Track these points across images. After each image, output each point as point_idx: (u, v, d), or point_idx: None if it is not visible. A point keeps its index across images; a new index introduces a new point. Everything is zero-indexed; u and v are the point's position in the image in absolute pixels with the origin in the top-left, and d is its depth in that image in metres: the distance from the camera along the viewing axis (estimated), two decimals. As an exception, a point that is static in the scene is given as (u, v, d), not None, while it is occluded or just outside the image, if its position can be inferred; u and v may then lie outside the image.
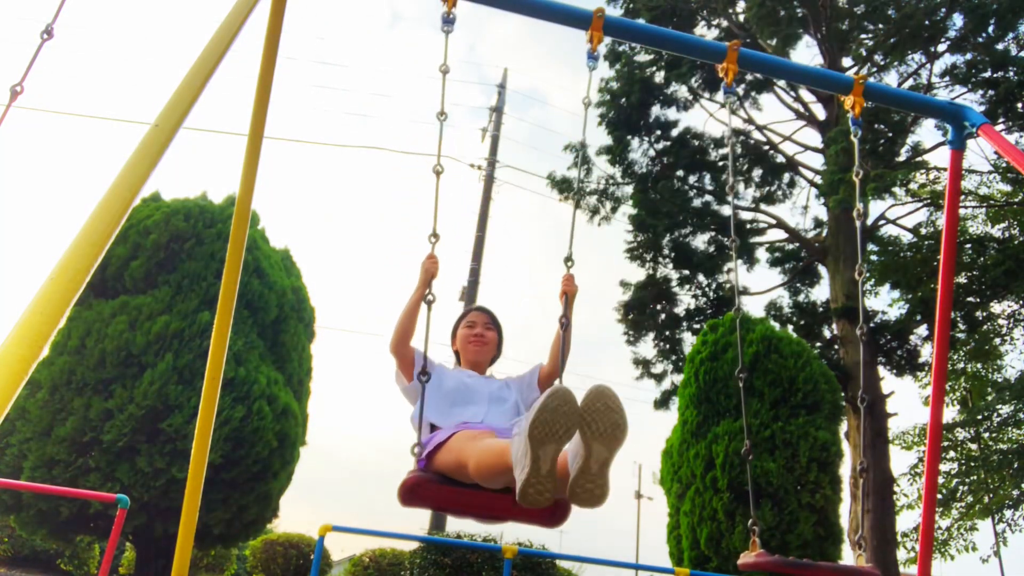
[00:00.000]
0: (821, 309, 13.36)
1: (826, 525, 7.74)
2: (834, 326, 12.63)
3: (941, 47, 12.42)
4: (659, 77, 13.61)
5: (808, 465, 7.81)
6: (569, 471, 1.82)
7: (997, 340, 14.58)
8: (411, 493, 2.19)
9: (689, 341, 13.08)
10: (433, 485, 2.20)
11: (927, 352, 12.67)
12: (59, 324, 1.22)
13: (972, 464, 14.38)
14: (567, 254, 2.58)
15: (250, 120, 2.97)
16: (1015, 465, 13.50)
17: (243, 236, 3.05)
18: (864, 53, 12.87)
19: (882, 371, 12.52)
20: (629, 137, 13.51)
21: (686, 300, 13.51)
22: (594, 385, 1.77)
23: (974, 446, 14.93)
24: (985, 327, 13.86)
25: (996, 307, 13.69)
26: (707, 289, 13.41)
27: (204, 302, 8.18)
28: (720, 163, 13.65)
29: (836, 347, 12.27)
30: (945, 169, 6.07)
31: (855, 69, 12.92)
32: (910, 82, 12.88)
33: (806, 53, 52.69)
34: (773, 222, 14.05)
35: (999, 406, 13.95)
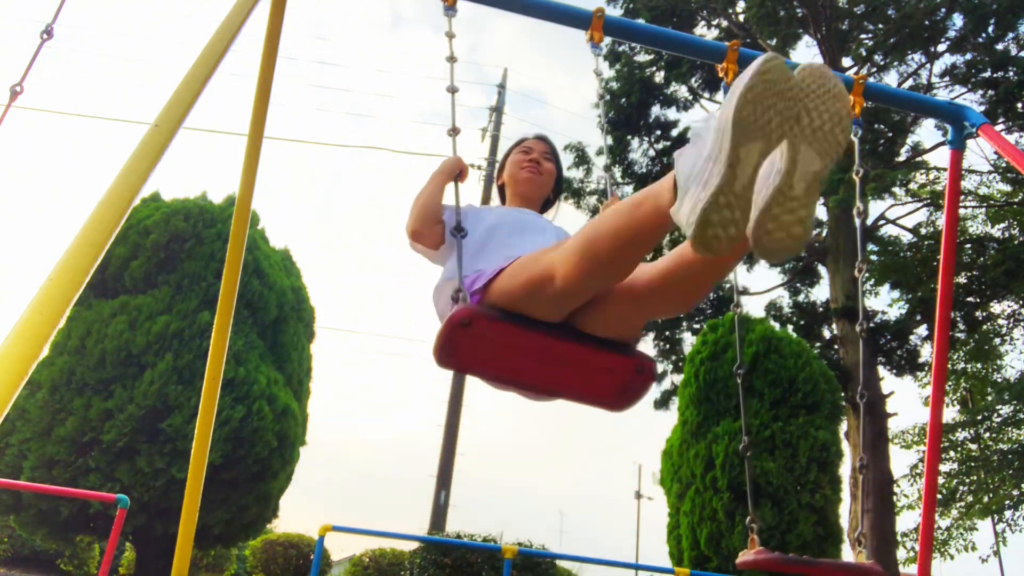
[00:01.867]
0: (821, 309, 13.36)
1: (826, 525, 7.74)
2: (834, 326, 12.63)
3: (941, 47, 12.43)
4: (659, 77, 13.62)
5: (808, 465, 7.81)
6: (756, 199, 1.16)
7: (997, 340, 14.59)
8: (459, 333, 1.55)
9: (689, 341, 13.09)
10: (494, 322, 1.56)
11: (927, 352, 12.67)
12: (59, 324, 1.21)
13: (972, 464, 14.38)
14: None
15: (250, 120, 2.96)
16: (1015, 465, 13.51)
17: (243, 236, 3.05)
18: (864, 53, 12.87)
19: (882, 371, 12.52)
20: (629, 137, 13.52)
21: (686, 300, 13.50)
22: (809, 62, 1.19)
23: (974, 446, 14.94)
24: (985, 327, 13.87)
25: (996, 307, 13.70)
26: (707, 289, 13.40)
27: (204, 302, 8.18)
28: (720, 163, 13.63)
29: (836, 347, 12.27)
30: (945, 169, 6.07)
31: (855, 69, 12.93)
32: (910, 82, 12.88)
33: (806, 53, 52.75)
34: (773, 222, 14.04)
35: (999, 406, 13.96)
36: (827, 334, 13.14)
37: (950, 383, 15.74)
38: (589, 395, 1.78)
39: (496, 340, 1.60)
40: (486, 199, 15.77)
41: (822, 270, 13.61)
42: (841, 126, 1.16)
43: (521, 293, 1.56)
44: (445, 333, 1.56)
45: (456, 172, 2.11)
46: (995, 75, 11.65)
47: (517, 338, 1.59)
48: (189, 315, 8.09)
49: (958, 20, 12.07)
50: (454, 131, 2.03)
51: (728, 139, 1.11)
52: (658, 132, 13.71)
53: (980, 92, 11.92)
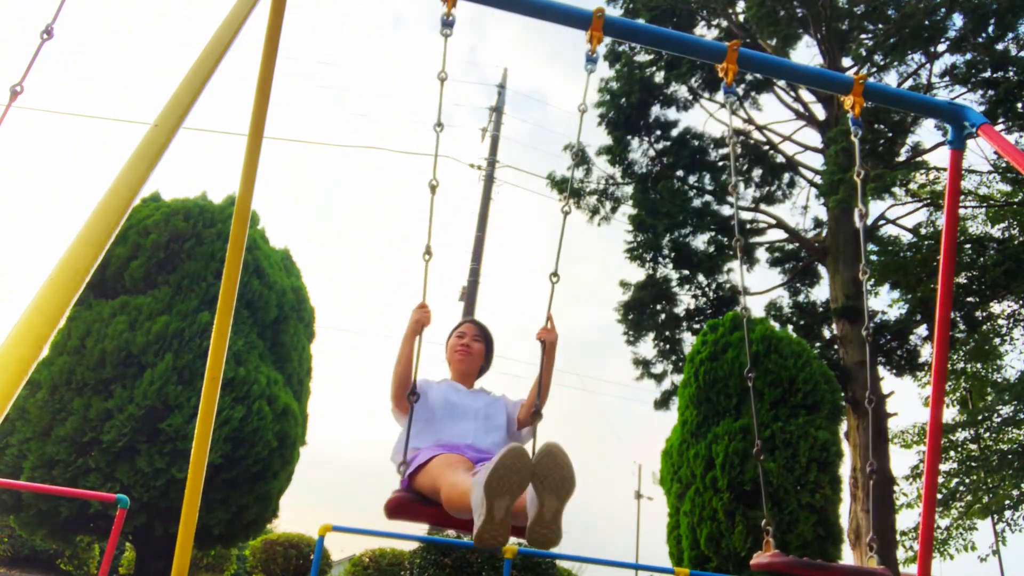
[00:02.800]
0: (821, 309, 13.36)
1: (826, 525, 7.74)
2: (834, 326, 12.63)
3: (941, 47, 12.42)
4: (659, 77, 13.61)
5: (808, 465, 7.81)
6: (527, 513, 2.01)
7: (997, 340, 14.59)
8: (394, 511, 2.44)
9: (689, 341, 13.08)
10: (414, 505, 2.43)
11: (927, 352, 12.67)
12: (59, 324, 1.21)
13: (972, 464, 14.39)
14: (552, 270, 2.62)
15: (250, 120, 2.96)
16: (1015, 465, 13.51)
17: (243, 236, 3.05)
18: (864, 53, 12.87)
19: (882, 371, 12.53)
20: (629, 137, 13.51)
21: (686, 300, 13.52)
22: (545, 444, 1.95)
23: (974, 446, 14.94)
24: (985, 327, 13.87)
25: (996, 307, 13.70)
26: (707, 289, 13.42)
27: (204, 302, 8.18)
28: (720, 163, 13.65)
29: (836, 347, 12.27)
30: (945, 169, 6.06)
31: (855, 69, 12.93)
32: (910, 82, 12.88)
33: (806, 53, 52.71)
34: (773, 222, 14.06)
35: (999, 406, 13.96)
36: (827, 334, 13.14)
37: (950, 383, 15.74)
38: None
39: (422, 514, 2.46)
40: (486, 198, 15.79)
41: (822, 270, 13.62)
42: (568, 483, 1.94)
43: (430, 491, 2.40)
44: (388, 507, 2.44)
45: (420, 328, 2.68)
46: (995, 75, 11.65)
47: (437, 514, 2.39)
48: (189, 315, 8.09)
49: (958, 20, 12.07)
50: (439, 126, 2.57)
51: (484, 499, 1.90)
52: (658, 132, 13.70)
53: (980, 92, 11.92)
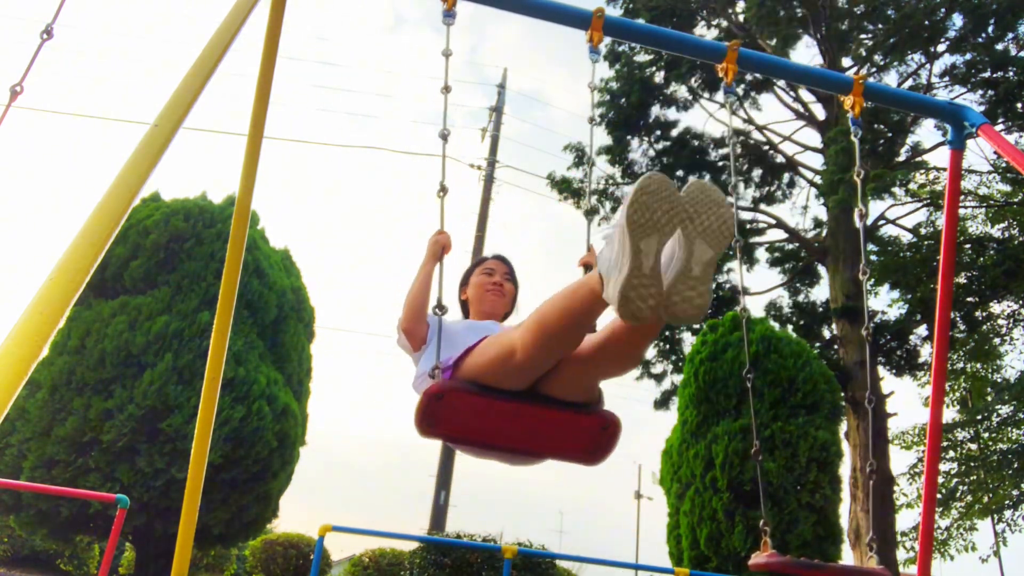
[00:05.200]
0: (821, 309, 13.36)
1: (826, 525, 7.74)
2: (834, 326, 12.63)
3: (941, 47, 12.42)
4: (659, 77, 13.61)
5: (808, 465, 7.80)
6: (663, 275, 1.56)
7: (997, 340, 14.59)
8: (435, 404, 1.80)
9: (689, 341, 13.07)
10: (465, 394, 1.82)
11: (927, 352, 12.67)
12: (59, 324, 1.22)
13: (972, 464, 14.38)
14: (586, 207, 2.50)
15: (250, 120, 2.96)
16: (1015, 465, 13.51)
17: (243, 236, 3.05)
18: (864, 53, 12.87)
19: (882, 371, 12.53)
20: (629, 137, 13.52)
21: (686, 300, 13.50)
22: (694, 180, 1.57)
23: (974, 446, 14.94)
24: (985, 327, 13.87)
25: (996, 307, 13.70)
26: (707, 289, 13.40)
27: (204, 302, 8.18)
28: (720, 163, 13.66)
29: (836, 347, 12.27)
30: (945, 169, 6.07)
31: (855, 69, 12.93)
32: (910, 82, 12.88)
33: (806, 53, 52.69)
34: (773, 222, 14.06)
35: (999, 406, 13.96)
36: (827, 334, 13.14)
37: (950, 383, 15.74)
38: (562, 453, 2.01)
39: (468, 410, 1.84)
40: (486, 199, 15.78)
41: (822, 270, 13.61)
42: (727, 225, 1.56)
43: (488, 367, 1.84)
44: (422, 406, 1.81)
45: (440, 251, 2.31)
46: (995, 75, 11.64)
47: (487, 406, 1.84)
48: (189, 315, 8.09)
49: (958, 20, 12.07)
50: (445, 135, 2.28)
51: (628, 237, 1.48)
52: (658, 132, 13.70)
53: (980, 92, 11.92)
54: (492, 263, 2.69)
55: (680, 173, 13.66)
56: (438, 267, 2.30)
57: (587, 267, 2.45)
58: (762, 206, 14.17)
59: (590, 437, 1.92)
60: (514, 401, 1.84)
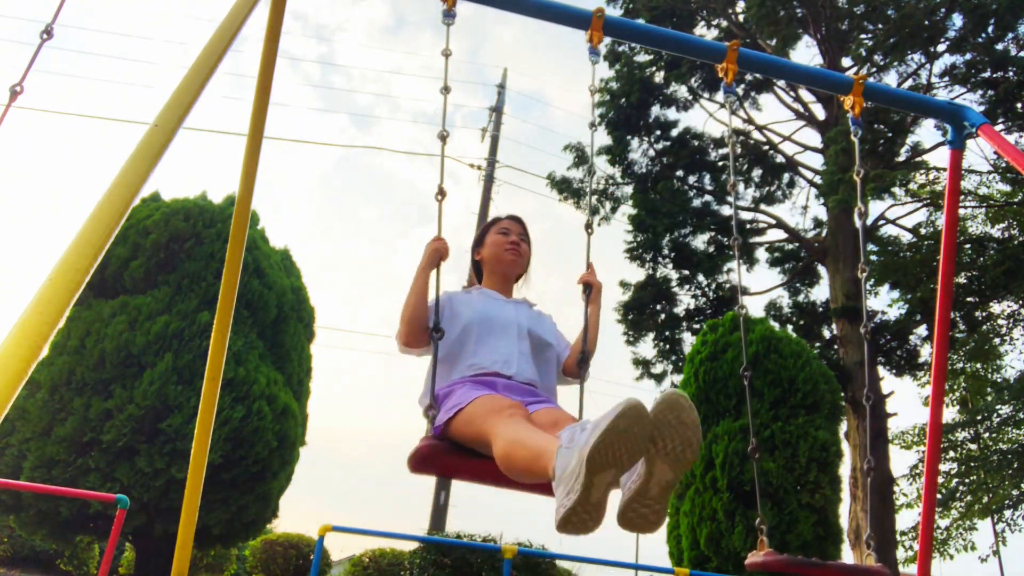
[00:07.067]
0: (821, 309, 13.36)
1: (826, 525, 7.74)
2: (834, 326, 12.63)
3: (941, 47, 12.43)
4: (659, 77, 13.62)
5: (808, 465, 7.80)
6: (622, 483, 1.56)
7: (997, 340, 14.59)
8: (423, 463, 1.99)
9: (689, 341, 13.08)
10: (447, 456, 1.99)
11: (927, 352, 12.68)
12: (59, 324, 1.21)
13: (972, 464, 14.38)
14: (586, 222, 2.45)
15: (250, 120, 2.96)
16: (1015, 465, 13.51)
17: (243, 236, 3.05)
18: (864, 53, 12.88)
19: (882, 371, 12.53)
20: (629, 137, 13.52)
21: (686, 300, 13.53)
22: (668, 392, 1.49)
23: (974, 446, 14.94)
24: (985, 327, 13.87)
25: (996, 307, 13.71)
26: (707, 289, 13.42)
27: (204, 302, 8.18)
28: (720, 163, 13.66)
29: (836, 347, 12.27)
30: (945, 169, 6.07)
31: (855, 69, 12.93)
32: (910, 82, 12.88)
33: (806, 53, 52.68)
34: (773, 222, 14.06)
35: (999, 406, 13.96)
36: (827, 334, 13.14)
37: (950, 383, 15.75)
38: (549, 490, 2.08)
39: (453, 464, 2.03)
40: (486, 199, 15.79)
41: (822, 270, 13.62)
42: (691, 449, 1.46)
43: (473, 441, 1.95)
44: (414, 458, 1.99)
45: (437, 259, 2.31)
46: (995, 75, 11.65)
47: (475, 467, 2.00)
48: (189, 315, 8.09)
49: (958, 20, 12.08)
50: (444, 137, 2.28)
51: (583, 472, 1.42)
52: (658, 132, 13.70)
53: (980, 92, 11.93)
54: (507, 223, 2.64)
55: (680, 173, 13.67)
56: (434, 275, 2.30)
57: (587, 285, 2.45)
58: (762, 206, 14.17)
59: None
60: (492, 464, 1.92)
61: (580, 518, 1.45)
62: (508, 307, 2.46)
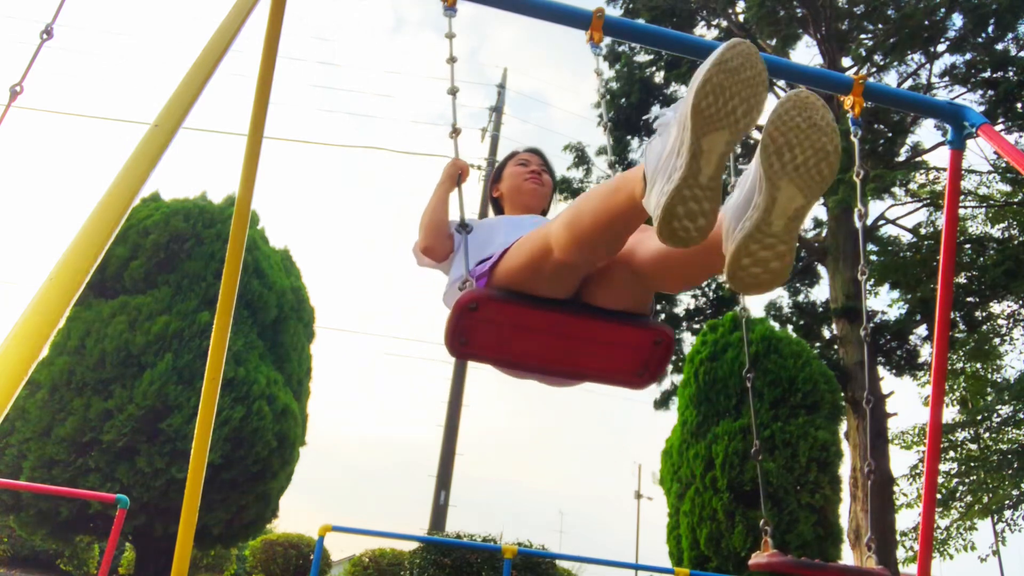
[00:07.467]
0: (821, 309, 13.36)
1: (826, 525, 7.74)
2: (834, 326, 12.63)
3: (941, 47, 12.43)
4: (659, 77, 13.62)
5: (808, 465, 7.81)
6: (728, 234, 1.16)
7: (997, 340, 14.60)
8: (468, 318, 1.53)
9: (689, 341, 13.08)
10: (501, 303, 1.53)
11: (927, 352, 12.68)
12: (59, 324, 1.21)
13: (972, 464, 14.39)
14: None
15: (250, 120, 2.96)
16: (1015, 465, 13.51)
17: (243, 236, 3.04)
18: (864, 53, 12.88)
19: (882, 371, 12.53)
20: (629, 137, 13.52)
21: (686, 300, 13.52)
22: (792, 91, 1.12)
23: (974, 446, 14.95)
24: (985, 327, 13.88)
25: (996, 307, 13.71)
26: (706, 289, 13.42)
27: (204, 302, 8.18)
28: (720, 163, 13.64)
29: (836, 347, 12.27)
30: (945, 169, 6.07)
31: (855, 69, 12.93)
32: (910, 82, 12.88)
33: (806, 53, 52.77)
34: (773, 222, 14.05)
35: (999, 406, 13.97)
36: (827, 334, 13.14)
37: (950, 383, 15.75)
38: (608, 372, 1.71)
39: (506, 321, 1.56)
40: (486, 199, 15.77)
41: (822, 270, 13.62)
42: (827, 161, 1.10)
43: (524, 270, 1.52)
44: (454, 319, 1.53)
45: (458, 176, 2.10)
46: (995, 75, 11.65)
47: (526, 317, 1.55)
48: (189, 315, 8.09)
49: (958, 20, 12.08)
50: (455, 132, 2.02)
51: (689, 131, 1.08)
52: (658, 132, 13.71)
53: (980, 92, 11.93)
54: (525, 155, 2.46)
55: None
56: (456, 192, 2.04)
57: None
58: (762, 206, 14.16)
59: (639, 354, 1.62)
60: (556, 311, 1.55)
61: (687, 206, 1.08)
62: (530, 220, 2.19)
